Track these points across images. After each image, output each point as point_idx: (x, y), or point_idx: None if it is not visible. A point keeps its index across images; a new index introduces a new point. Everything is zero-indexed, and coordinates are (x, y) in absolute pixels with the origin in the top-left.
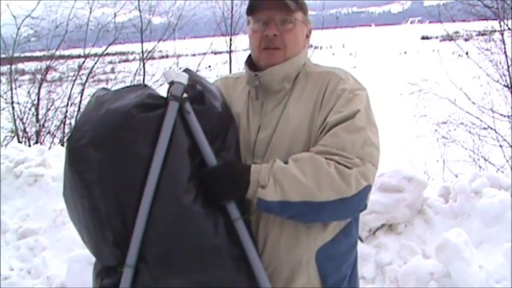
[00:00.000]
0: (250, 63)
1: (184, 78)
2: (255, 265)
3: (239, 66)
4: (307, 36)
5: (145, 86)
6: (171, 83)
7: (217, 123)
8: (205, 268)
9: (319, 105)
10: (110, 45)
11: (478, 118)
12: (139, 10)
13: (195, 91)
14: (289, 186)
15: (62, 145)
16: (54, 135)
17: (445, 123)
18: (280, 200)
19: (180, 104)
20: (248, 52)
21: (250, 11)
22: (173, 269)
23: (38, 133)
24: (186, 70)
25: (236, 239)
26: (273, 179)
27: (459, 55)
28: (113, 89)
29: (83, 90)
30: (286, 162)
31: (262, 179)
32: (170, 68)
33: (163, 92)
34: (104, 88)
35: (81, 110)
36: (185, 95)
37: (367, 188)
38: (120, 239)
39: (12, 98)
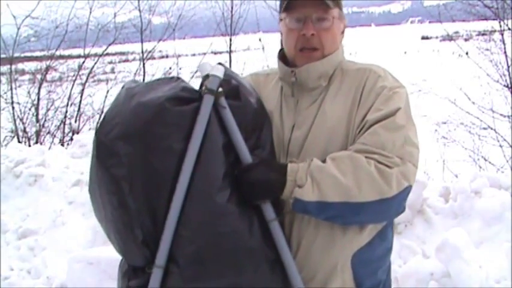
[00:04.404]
0: (283, 58)
1: (220, 72)
2: (290, 269)
3: (239, 66)
4: (343, 32)
5: (179, 78)
6: (206, 76)
7: (252, 120)
8: (239, 270)
9: (357, 103)
10: (110, 45)
11: (478, 118)
12: (139, 10)
13: (231, 85)
14: (328, 185)
15: (62, 145)
16: (54, 135)
17: (445, 123)
18: (318, 201)
19: (215, 98)
20: (249, 52)
21: (286, 8)
22: (205, 270)
23: (38, 133)
24: (220, 64)
25: (270, 240)
26: (311, 179)
27: (459, 55)
28: (113, 88)
29: (83, 90)
30: (323, 161)
31: (299, 179)
32: (171, 68)
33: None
34: (134, 80)
35: (81, 108)
36: (220, 89)
37: (408, 189)
38: (150, 238)
39: (12, 98)
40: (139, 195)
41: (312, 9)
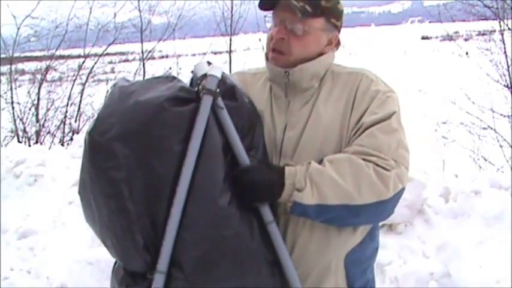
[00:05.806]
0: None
1: (218, 72)
2: (289, 271)
3: (239, 66)
4: (331, 43)
5: (175, 78)
6: (203, 76)
7: (247, 121)
8: (243, 273)
9: (351, 105)
10: (109, 45)
11: (478, 118)
12: (139, 10)
13: (226, 86)
14: (328, 189)
15: (62, 145)
16: (54, 135)
17: (445, 123)
18: (318, 204)
19: (213, 99)
20: (249, 52)
21: (263, 7)
22: (211, 274)
23: (38, 133)
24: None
25: (268, 242)
26: (310, 182)
27: (459, 55)
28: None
29: (83, 90)
30: (319, 163)
31: (298, 182)
32: (171, 68)
33: None
34: (125, 79)
35: (81, 108)
36: (218, 89)
37: (402, 191)
38: (150, 242)
39: (12, 98)
40: (139, 199)
41: (287, 14)
